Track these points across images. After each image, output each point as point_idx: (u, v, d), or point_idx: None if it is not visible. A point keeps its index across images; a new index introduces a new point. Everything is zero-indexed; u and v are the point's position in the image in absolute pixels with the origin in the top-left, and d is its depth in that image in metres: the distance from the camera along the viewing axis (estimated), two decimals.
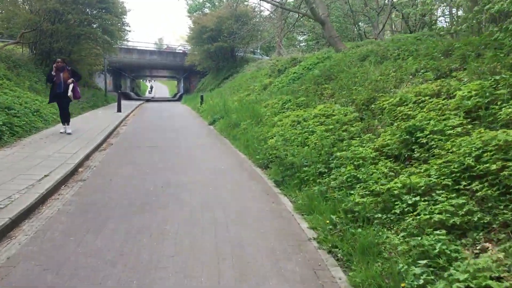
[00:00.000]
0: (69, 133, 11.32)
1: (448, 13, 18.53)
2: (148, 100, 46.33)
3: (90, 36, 22.78)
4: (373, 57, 11.71)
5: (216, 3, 37.68)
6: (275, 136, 9.19)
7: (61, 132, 11.42)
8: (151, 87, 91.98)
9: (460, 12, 14.35)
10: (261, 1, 29.37)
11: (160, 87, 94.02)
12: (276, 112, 11.92)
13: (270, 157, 8.10)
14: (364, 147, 6.25)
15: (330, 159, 6.43)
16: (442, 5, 14.81)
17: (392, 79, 8.77)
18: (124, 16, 26.46)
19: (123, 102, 31.70)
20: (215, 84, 32.23)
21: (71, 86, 11.34)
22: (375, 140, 6.34)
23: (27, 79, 17.94)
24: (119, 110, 20.09)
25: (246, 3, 32.37)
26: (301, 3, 21.74)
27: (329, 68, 13.42)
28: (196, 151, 9.98)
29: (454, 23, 13.64)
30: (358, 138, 6.79)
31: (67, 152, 8.63)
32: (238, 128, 12.19)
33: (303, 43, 33.25)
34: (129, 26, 27.59)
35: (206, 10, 37.77)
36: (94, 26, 21.43)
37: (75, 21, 20.88)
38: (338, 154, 6.31)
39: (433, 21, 21.23)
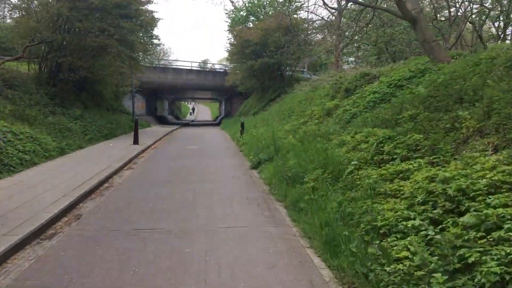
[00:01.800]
0: None
1: None
2: (185, 125, 42.39)
3: (109, 50, 18.62)
4: None
5: (261, 17, 33.31)
6: (397, 229, 3.98)
7: None
8: (193, 109, 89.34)
9: None
10: (313, 10, 24.65)
11: (202, 110, 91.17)
12: (370, 161, 6.71)
13: None
14: None
15: None
16: None
17: None
18: (153, 27, 22.39)
19: (154, 128, 27.80)
20: (260, 106, 27.41)
21: None
22: None
23: (19, 102, 13.84)
24: (135, 141, 15.56)
25: (298, 13, 27.67)
26: None
27: (445, 83, 8.10)
28: (224, 256, 4.87)
29: None
30: None
31: None
32: (303, 187, 7.03)
33: (360, 60, 27.94)
34: (158, 39, 23.47)
35: (250, 25, 33.42)
36: (112, 36, 17.14)
37: (87, 31, 16.74)
38: None
39: None
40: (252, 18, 33.36)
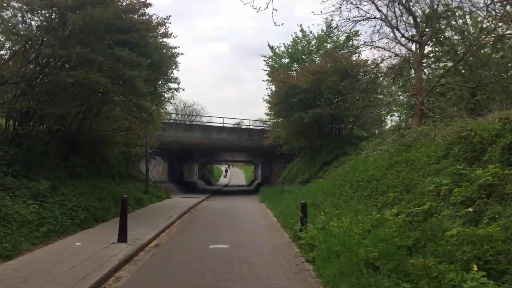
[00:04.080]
0: None
1: None
2: (216, 192, 36.08)
3: (103, 94, 12.97)
4: None
5: (308, 60, 27.73)
6: None
7: None
8: (226, 171, 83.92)
9: None
10: (383, 46, 18.83)
11: (236, 173, 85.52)
12: None
13: None
14: None
15: None
16: None
17: None
18: (170, 67, 16.89)
19: (174, 201, 21.04)
20: (310, 172, 20.83)
21: None
22: None
23: None
24: (122, 235, 9.12)
25: (359, 51, 21.79)
26: None
27: None
28: None
29: None
30: None
31: None
32: None
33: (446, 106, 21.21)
34: (178, 83, 17.75)
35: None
36: (102, 71, 11.42)
37: (61, 61, 11.16)
38: None
39: None
40: (296, 66, 27.89)
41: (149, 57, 12.58)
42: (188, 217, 15.04)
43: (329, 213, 10.67)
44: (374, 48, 18.58)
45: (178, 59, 16.79)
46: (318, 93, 20.77)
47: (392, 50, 18.33)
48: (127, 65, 11.43)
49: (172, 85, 17.72)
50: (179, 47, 16.70)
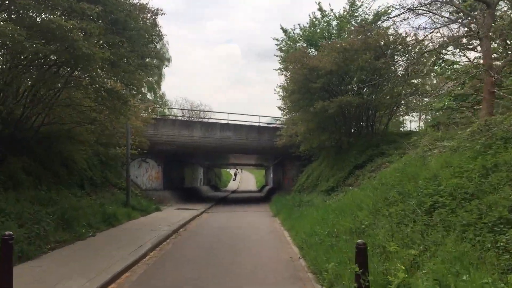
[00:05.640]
0: None
1: None
2: (222, 200, 31.61)
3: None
4: None
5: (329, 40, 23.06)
6: None
7: None
8: (235, 175, 79.36)
9: None
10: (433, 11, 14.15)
11: (246, 177, 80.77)
12: None
13: None
14: None
15: None
16: None
17: None
18: (156, 40, 12.57)
19: (165, 214, 16.14)
20: (337, 178, 16.20)
21: None
22: None
23: None
24: None
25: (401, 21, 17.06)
26: None
27: None
28: None
29: None
30: None
31: None
32: None
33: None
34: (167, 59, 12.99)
35: None
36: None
37: None
38: None
39: None
40: (314, 51, 23.31)
41: (108, 9, 8.12)
42: (170, 245, 10.52)
43: (396, 254, 6.11)
44: (422, 14, 13.90)
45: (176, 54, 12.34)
46: (344, 77, 16.21)
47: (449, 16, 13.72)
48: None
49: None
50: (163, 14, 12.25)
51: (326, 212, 11.40)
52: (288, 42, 25.49)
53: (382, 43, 16.04)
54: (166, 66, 36.23)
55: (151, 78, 34.96)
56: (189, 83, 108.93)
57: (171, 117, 30.51)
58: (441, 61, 16.69)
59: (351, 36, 16.96)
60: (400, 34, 16.21)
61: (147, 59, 12.19)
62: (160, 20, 12.01)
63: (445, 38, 14.22)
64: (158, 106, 31.00)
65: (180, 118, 30.80)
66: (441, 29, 14.04)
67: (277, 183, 36.00)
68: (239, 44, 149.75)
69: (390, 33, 16.33)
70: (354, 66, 15.47)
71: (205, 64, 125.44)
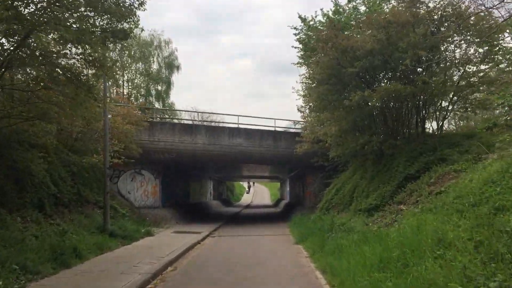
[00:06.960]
0: None
1: None
2: (233, 217, 27.72)
3: None
4: None
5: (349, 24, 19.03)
6: None
7: None
8: (249, 187, 75.52)
9: None
10: None
11: (259, 190, 76.62)
12: None
13: None
14: None
15: None
16: None
17: None
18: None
19: (157, 240, 12.11)
20: (381, 193, 12.16)
21: None
22: None
23: None
24: None
25: None
26: None
27: None
28: None
29: None
30: None
31: None
32: None
33: None
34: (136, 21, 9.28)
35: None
36: None
37: None
38: None
39: None
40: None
41: None
42: None
43: None
44: None
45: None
46: (388, 59, 12.29)
47: None
48: None
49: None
50: None
51: (385, 248, 7.41)
52: (308, 32, 21.66)
53: (438, 15, 12.17)
54: (175, 72, 33.59)
55: (159, 87, 31.97)
56: (206, 96, 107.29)
57: (170, 120, 26.90)
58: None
59: (399, 7, 13.08)
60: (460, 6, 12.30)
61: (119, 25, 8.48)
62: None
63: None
64: (152, 107, 27.47)
65: (180, 121, 27.09)
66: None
67: (296, 197, 31.92)
68: (253, 58, 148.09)
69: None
70: (403, 43, 11.54)
71: (221, 78, 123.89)
